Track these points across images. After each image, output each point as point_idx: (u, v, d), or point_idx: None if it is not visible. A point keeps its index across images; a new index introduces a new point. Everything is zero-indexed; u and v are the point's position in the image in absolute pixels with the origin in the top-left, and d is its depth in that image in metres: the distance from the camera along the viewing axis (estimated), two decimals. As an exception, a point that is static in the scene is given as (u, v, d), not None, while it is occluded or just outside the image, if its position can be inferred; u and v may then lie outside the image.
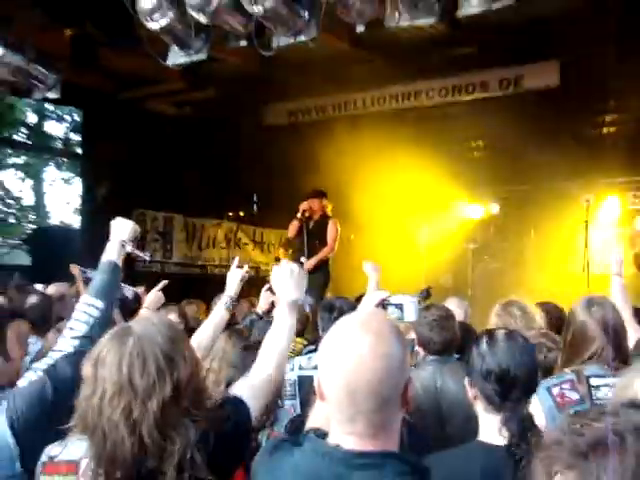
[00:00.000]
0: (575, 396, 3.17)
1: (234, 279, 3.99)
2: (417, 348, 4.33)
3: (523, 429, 2.38)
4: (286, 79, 9.77)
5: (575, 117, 11.36)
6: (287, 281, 2.66)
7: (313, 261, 9.08)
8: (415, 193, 12.77)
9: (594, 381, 3.21)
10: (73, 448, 2.12)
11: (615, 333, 3.36)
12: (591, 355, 3.34)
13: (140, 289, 6.00)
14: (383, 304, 2.81)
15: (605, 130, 12.69)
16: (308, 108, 11.47)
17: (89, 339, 2.64)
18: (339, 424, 1.76)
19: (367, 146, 11.15)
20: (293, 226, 9.42)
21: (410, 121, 11.28)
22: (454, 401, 3.78)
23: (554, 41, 9.01)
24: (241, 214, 13.63)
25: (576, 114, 11.31)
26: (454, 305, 5.35)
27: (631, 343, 3.80)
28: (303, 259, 9.13)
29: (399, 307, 2.85)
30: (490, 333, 2.67)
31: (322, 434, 1.83)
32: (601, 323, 3.37)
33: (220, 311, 3.71)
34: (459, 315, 5.08)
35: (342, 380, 1.72)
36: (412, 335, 4.41)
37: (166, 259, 12.22)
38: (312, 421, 2.16)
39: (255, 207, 13.67)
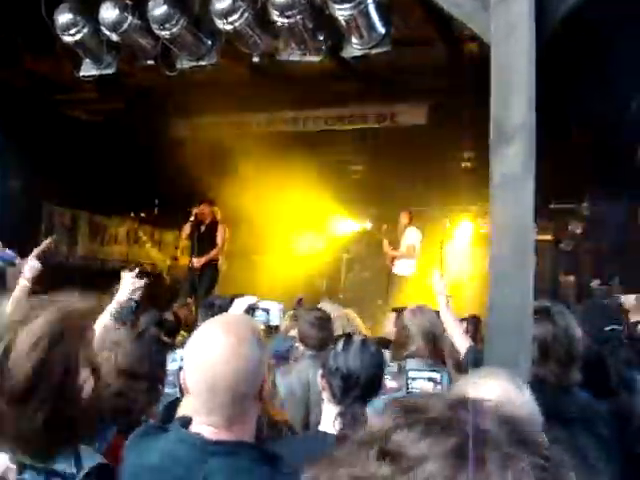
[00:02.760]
0: (393, 384, 3.38)
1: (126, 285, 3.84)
2: (297, 344, 4.47)
3: (354, 422, 2.46)
4: (190, 97, 9.71)
5: (439, 151, 11.76)
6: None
7: (203, 260, 9.18)
8: (299, 207, 12.88)
9: (412, 374, 3.41)
10: None
11: (431, 336, 3.63)
12: (411, 353, 3.57)
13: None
14: (252, 307, 2.86)
15: (463, 165, 13.21)
16: (208, 124, 11.41)
17: None
18: (199, 415, 1.82)
19: (259, 163, 11.19)
20: (186, 228, 9.52)
21: (298, 143, 11.37)
22: (319, 392, 3.88)
23: (423, 86, 9.39)
24: (142, 215, 13.38)
25: (440, 149, 11.72)
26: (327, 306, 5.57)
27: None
28: (194, 259, 9.19)
29: (266, 311, 2.92)
30: (349, 337, 2.77)
31: (187, 422, 1.86)
32: (421, 327, 3.62)
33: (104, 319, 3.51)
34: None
35: (203, 376, 1.77)
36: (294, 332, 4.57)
37: (71, 252, 11.87)
38: (183, 409, 2.20)
39: (156, 209, 13.42)
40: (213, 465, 1.74)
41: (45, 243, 4.70)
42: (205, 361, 1.77)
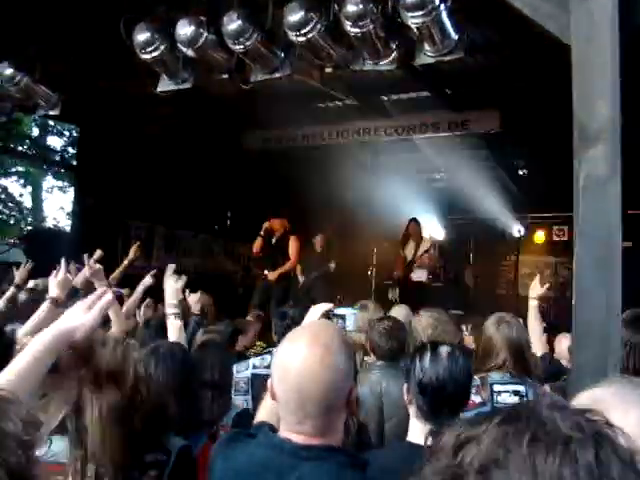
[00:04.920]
0: (478, 399, 3.25)
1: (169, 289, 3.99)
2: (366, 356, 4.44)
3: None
4: (262, 109, 9.82)
5: (509, 159, 11.58)
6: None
7: (276, 274, 9.22)
8: (371, 216, 12.81)
9: (496, 387, 3.29)
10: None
11: (517, 348, 3.47)
12: (495, 365, 3.43)
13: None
14: (328, 315, 2.83)
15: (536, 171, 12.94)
16: (280, 137, 11.51)
17: None
18: (288, 424, 1.79)
19: (333, 173, 11.23)
20: (257, 243, 9.61)
21: (368, 154, 11.37)
22: (393, 403, 3.80)
23: (495, 91, 9.23)
24: (216, 227, 13.59)
25: (510, 156, 11.53)
26: (401, 314, 5.43)
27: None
28: (266, 271, 9.27)
29: (342, 318, 2.88)
30: (434, 347, 2.58)
31: (272, 428, 1.86)
32: (506, 339, 3.47)
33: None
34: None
35: (293, 387, 1.74)
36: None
37: (147, 264, 12.14)
38: (260, 415, 2.19)
39: (228, 222, 13.62)
40: (304, 470, 1.71)
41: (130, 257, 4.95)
42: (293, 372, 1.75)
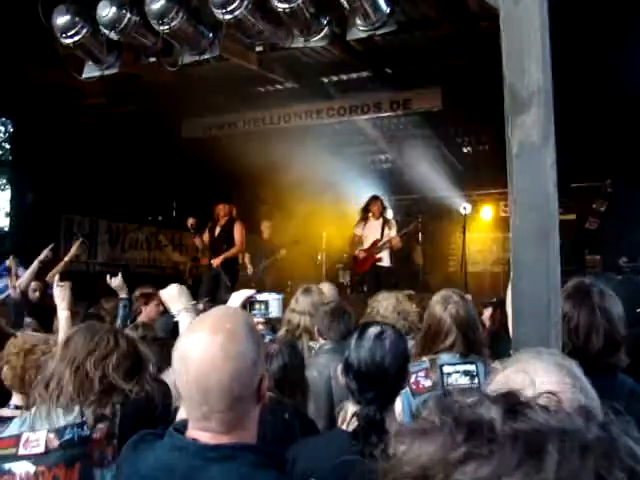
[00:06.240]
0: (428, 383, 3.13)
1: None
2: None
3: (368, 427, 2.21)
4: (201, 97, 9.58)
5: (456, 135, 11.56)
6: (169, 298, 2.72)
7: (221, 258, 9.01)
8: (317, 201, 12.66)
9: (446, 369, 3.18)
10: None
11: (467, 327, 3.34)
12: (444, 347, 3.30)
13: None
14: (250, 301, 2.67)
15: (480, 148, 12.97)
16: (222, 123, 11.27)
17: None
18: (194, 421, 1.63)
19: (275, 158, 11.02)
20: (203, 237, 9.38)
21: (312, 137, 11.20)
22: (343, 387, 3.70)
23: (435, 69, 9.16)
24: (160, 219, 13.29)
25: (456, 134, 11.52)
26: (326, 288, 5.50)
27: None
28: (212, 259, 9.05)
29: (264, 303, 2.73)
30: (363, 328, 2.48)
31: (183, 427, 1.67)
32: (455, 319, 3.34)
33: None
34: (332, 296, 5.37)
35: (194, 381, 1.58)
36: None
37: (91, 259, 11.82)
38: (181, 413, 2.01)
39: (174, 212, 13.33)
40: (212, 472, 1.55)
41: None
42: (193, 363, 1.57)
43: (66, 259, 6.74)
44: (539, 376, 1.26)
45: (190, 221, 9.14)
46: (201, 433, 1.60)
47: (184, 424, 1.68)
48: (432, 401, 0.82)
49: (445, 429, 0.73)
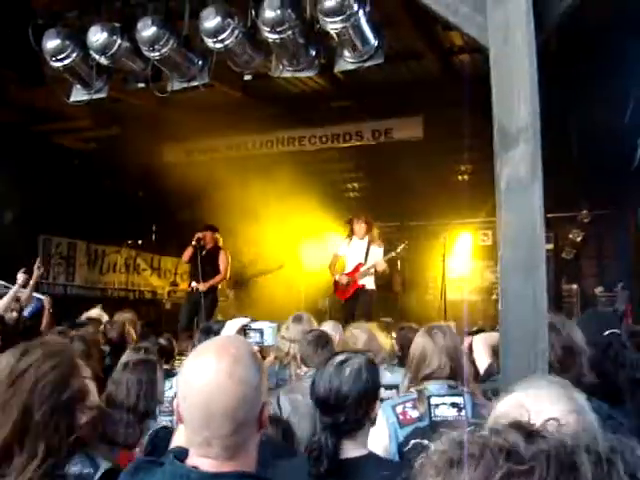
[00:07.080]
0: (416, 414, 3.15)
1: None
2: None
3: (319, 452, 2.31)
4: (184, 121, 9.62)
5: (436, 165, 11.68)
6: None
7: (207, 284, 9.02)
8: (296, 226, 12.71)
9: (434, 400, 3.19)
10: None
11: (452, 354, 3.38)
12: (429, 373, 3.32)
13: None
14: (245, 329, 2.71)
15: (460, 177, 13.13)
16: (204, 148, 11.31)
17: None
18: (195, 447, 1.63)
19: (256, 183, 11.06)
20: (188, 252, 9.32)
21: (294, 163, 11.25)
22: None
23: (417, 100, 9.30)
24: (140, 242, 13.24)
25: (437, 163, 11.64)
26: (329, 328, 5.36)
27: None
28: (194, 284, 9.05)
29: (259, 331, 2.76)
30: (332, 356, 2.56)
31: (182, 454, 1.67)
32: (440, 345, 3.38)
33: None
34: (334, 337, 5.15)
35: (198, 405, 1.59)
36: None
37: (69, 282, 11.71)
38: (176, 440, 2.02)
39: (154, 236, 13.28)
40: None
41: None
42: (198, 387, 1.59)
43: (31, 282, 6.75)
44: (544, 405, 1.34)
45: (199, 234, 9.21)
46: (202, 460, 1.60)
47: (185, 451, 1.68)
48: (448, 435, 0.87)
49: (487, 455, 0.78)
